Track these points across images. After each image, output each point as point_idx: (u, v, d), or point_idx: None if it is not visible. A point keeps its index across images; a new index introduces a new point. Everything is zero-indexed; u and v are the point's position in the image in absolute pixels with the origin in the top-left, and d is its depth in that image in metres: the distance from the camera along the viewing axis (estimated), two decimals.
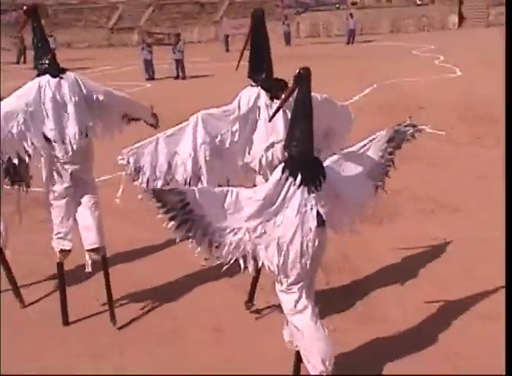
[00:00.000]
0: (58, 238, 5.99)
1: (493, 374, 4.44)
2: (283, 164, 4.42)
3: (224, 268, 4.37)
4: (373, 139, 5.01)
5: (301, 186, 4.33)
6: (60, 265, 6.14)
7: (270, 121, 5.14)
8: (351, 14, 38.31)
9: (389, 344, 5.50)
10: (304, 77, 4.40)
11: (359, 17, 39.93)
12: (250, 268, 4.42)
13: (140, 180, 5.20)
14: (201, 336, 5.84)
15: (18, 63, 33.23)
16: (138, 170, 5.17)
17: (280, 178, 4.35)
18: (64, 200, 5.85)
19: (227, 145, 5.38)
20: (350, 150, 4.93)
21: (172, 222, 4.18)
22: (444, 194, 9.39)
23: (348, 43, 36.81)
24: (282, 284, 4.45)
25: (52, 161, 5.73)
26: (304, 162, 4.37)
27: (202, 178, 5.29)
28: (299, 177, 4.33)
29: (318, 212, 4.35)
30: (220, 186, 5.08)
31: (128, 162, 5.16)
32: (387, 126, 5.09)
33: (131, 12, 45.18)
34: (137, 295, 6.66)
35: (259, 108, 5.46)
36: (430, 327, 5.73)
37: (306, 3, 43.92)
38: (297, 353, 4.65)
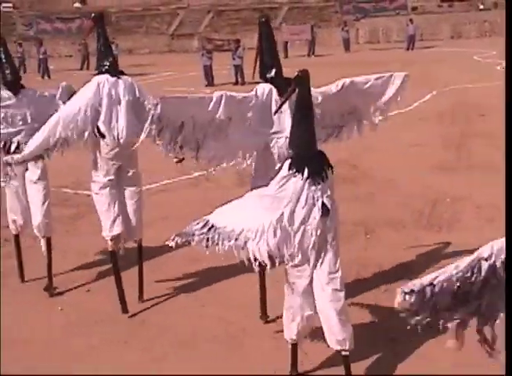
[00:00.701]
0: (106, 227, 6.33)
1: (493, 374, 4.42)
2: (289, 161, 4.72)
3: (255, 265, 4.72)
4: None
5: (308, 180, 4.64)
6: (113, 253, 6.45)
7: (274, 114, 5.58)
8: (410, 19, 37.96)
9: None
10: (303, 79, 4.75)
11: (419, 23, 39.55)
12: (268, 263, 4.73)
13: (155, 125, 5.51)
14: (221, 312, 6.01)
15: (82, 69, 33.87)
16: (159, 118, 5.48)
17: (287, 175, 4.67)
18: (107, 190, 6.26)
19: (244, 125, 5.73)
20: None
21: (205, 243, 4.69)
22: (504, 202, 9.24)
23: (408, 49, 36.46)
24: (292, 269, 4.83)
25: (99, 153, 6.18)
26: (308, 157, 4.70)
27: (201, 145, 5.69)
28: (305, 172, 4.64)
29: (323, 203, 4.67)
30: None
31: (155, 108, 5.46)
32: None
33: (192, 18, 45.69)
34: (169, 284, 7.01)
35: (271, 102, 5.77)
36: None
37: (365, 9, 43.70)
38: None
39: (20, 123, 6.68)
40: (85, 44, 34.80)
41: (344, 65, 28.50)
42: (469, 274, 3.58)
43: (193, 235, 4.71)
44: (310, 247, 4.74)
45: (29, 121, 6.66)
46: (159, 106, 5.45)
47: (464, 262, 3.63)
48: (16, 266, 7.32)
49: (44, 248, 6.96)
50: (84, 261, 7.61)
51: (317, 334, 5.19)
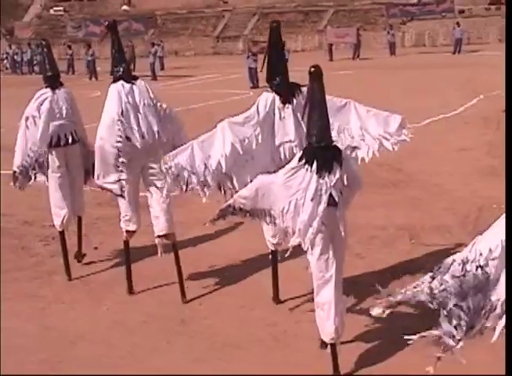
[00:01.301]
0: (125, 220, 6.79)
1: (493, 374, 4.36)
2: (301, 152, 4.98)
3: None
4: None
5: (317, 172, 4.84)
6: (126, 243, 6.96)
7: (302, 118, 5.48)
8: (457, 23, 37.56)
9: None
10: (316, 74, 4.98)
11: (466, 26, 39.13)
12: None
13: (180, 185, 5.75)
14: (263, 313, 6.06)
15: None
16: (181, 172, 5.68)
17: (297, 165, 4.90)
18: (128, 187, 6.59)
19: (254, 146, 5.85)
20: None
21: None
22: None
23: (455, 52, 36.08)
24: (311, 254, 5.04)
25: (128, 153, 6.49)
26: (321, 150, 4.88)
27: (234, 177, 5.84)
28: (315, 164, 4.84)
29: (331, 194, 4.87)
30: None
31: (171, 167, 5.67)
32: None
33: (237, 21, 45.88)
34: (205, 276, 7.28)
35: (274, 111, 5.91)
36: None
37: (411, 12, 43.34)
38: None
39: (57, 116, 7.16)
40: (132, 46, 35.20)
41: (389, 68, 28.36)
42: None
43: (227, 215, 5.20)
44: (319, 236, 4.94)
45: (64, 115, 7.16)
46: (173, 165, 5.67)
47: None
48: (63, 264, 7.49)
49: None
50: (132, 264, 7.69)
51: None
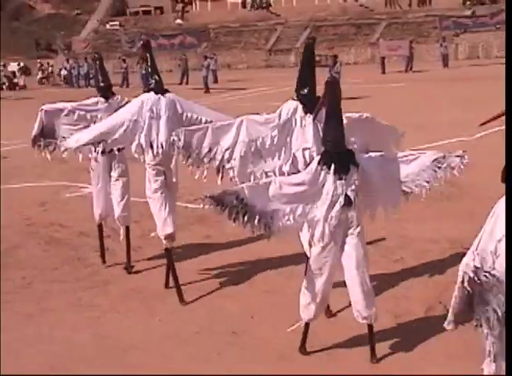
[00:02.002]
0: (159, 227, 7.12)
1: (493, 374, 4.31)
2: (319, 156, 5.40)
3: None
4: (423, 153, 5.73)
5: (334, 174, 5.27)
6: (168, 250, 7.24)
7: (314, 119, 6.10)
8: None
9: None
10: (333, 85, 5.53)
11: None
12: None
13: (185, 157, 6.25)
14: (314, 326, 5.98)
15: (181, 83, 34.61)
16: (186, 147, 6.20)
17: (316, 168, 5.32)
18: (159, 193, 7.07)
19: (266, 146, 6.25)
20: (400, 153, 5.81)
21: (233, 216, 5.18)
22: None
23: None
24: (315, 248, 5.48)
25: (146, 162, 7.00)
26: (336, 154, 5.33)
27: (235, 168, 6.26)
28: (332, 167, 5.28)
29: (346, 195, 5.29)
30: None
31: (179, 139, 6.19)
32: None
33: (289, 34, 46.05)
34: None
35: (295, 119, 6.26)
36: None
37: (465, 24, 42.89)
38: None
39: None
40: (185, 59, 35.63)
41: (442, 81, 28.10)
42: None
43: (224, 205, 5.17)
44: (334, 233, 5.37)
45: None
46: (182, 137, 6.17)
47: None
48: (117, 274, 7.66)
49: (122, 236, 8.03)
50: (180, 274, 7.79)
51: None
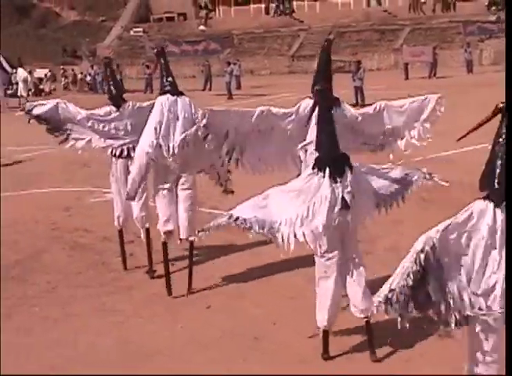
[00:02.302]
0: (163, 221, 7.40)
1: (493, 374, 4.31)
2: (313, 162, 5.56)
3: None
4: (393, 168, 5.98)
5: (330, 178, 5.38)
6: (164, 244, 7.54)
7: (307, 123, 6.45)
8: None
9: None
10: (323, 93, 5.86)
11: None
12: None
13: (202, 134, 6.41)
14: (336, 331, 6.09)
15: (204, 89, 34.71)
16: (206, 126, 6.34)
17: (312, 173, 5.46)
18: (166, 192, 7.32)
19: (282, 138, 6.55)
20: (373, 166, 5.97)
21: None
22: None
23: None
24: (318, 252, 5.67)
25: (160, 160, 7.18)
26: (331, 158, 5.46)
27: (245, 151, 6.52)
28: (327, 171, 5.39)
29: (343, 197, 5.40)
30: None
31: (203, 118, 6.34)
32: None
33: (312, 40, 46.00)
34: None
35: (311, 117, 6.48)
36: None
37: (490, 30, 42.58)
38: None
39: (122, 133, 7.96)
40: (208, 65, 35.72)
41: (466, 87, 27.94)
42: (414, 268, 4.06)
43: (219, 226, 5.34)
44: (333, 236, 5.54)
45: (129, 130, 7.88)
46: (206, 116, 6.30)
47: (406, 259, 4.12)
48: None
49: (143, 238, 8.26)
50: (207, 280, 7.85)
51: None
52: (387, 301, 4.08)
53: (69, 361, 6.04)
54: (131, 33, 50.69)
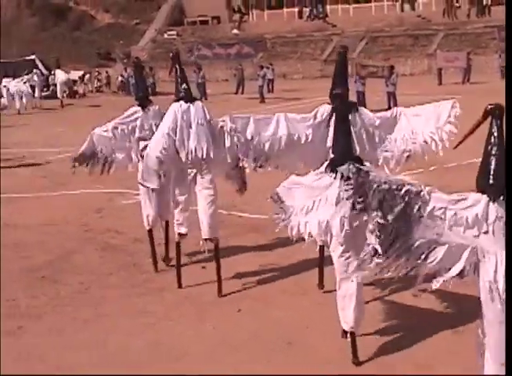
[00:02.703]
0: (177, 224, 7.65)
1: (493, 374, 4.25)
2: (327, 162, 5.83)
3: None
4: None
5: (339, 180, 5.55)
6: (178, 244, 7.79)
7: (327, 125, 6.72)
8: None
9: None
10: (340, 98, 6.18)
11: None
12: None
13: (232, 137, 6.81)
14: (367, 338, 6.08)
15: (236, 93, 34.81)
16: (233, 130, 6.77)
17: (323, 172, 5.76)
18: (184, 197, 7.53)
19: (302, 142, 6.79)
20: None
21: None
22: None
23: None
24: (337, 252, 5.75)
25: (177, 165, 7.45)
26: (343, 161, 5.60)
27: (271, 158, 6.89)
28: (339, 174, 5.58)
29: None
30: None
31: (227, 123, 6.79)
32: None
33: (345, 44, 45.93)
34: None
35: (329, 121, 6.67)
36: None
37: None
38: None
39: (147, 132, 8.21)
40: (241, 69, 35.80)
41: (500, 93, 27.64)
42: (394, 191, 4.42)
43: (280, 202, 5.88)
44: (350, 235, 5.60)
45: (154, 130, 8.00)
46: (229, 122, 6.76)
47: (396, 181, 4.49)
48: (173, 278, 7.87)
49: (162, 230, 8.62)
50: (237, 282, 7.88)
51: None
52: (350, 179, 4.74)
53: (99, 361, 6.09)
54: (165, 36, 51.03)
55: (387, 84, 25.20)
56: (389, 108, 24.57)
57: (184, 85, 7.53)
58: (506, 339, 4.08)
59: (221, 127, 7.11)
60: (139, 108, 8.38)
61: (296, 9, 50.73)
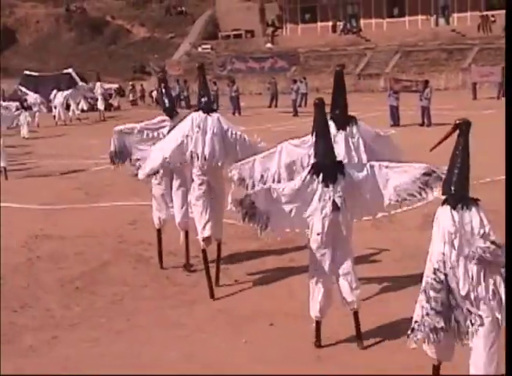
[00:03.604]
0: (200, 229, 7.93)
1: (493, 374, 4.18)
2: (310, 166, 6.29)
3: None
4: (413, 165, 6.39)
5: (322, 182, 6.09)
6: (204, 251, 8.02)
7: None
8: None
9: None
10: (320, 107, 6.34)
11: None
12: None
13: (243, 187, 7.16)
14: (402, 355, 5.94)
15: (270, 106, 34.86)
16: (240, 180, 7.24)
17: (307, 176, 6.15)
18: (201, 201, 7.92)
19: (305, 165, 6.99)
20: (392, 164, 6.44)
21: (246, 217, 6.10)
22: None
23: None
24: (312, 248, 6.30)
25: (193, 172, 7.96)
26: (324, 165, 6.14)
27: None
28: (321, 176, 6.10)
29: (334, 200, 6.09)
30: None
31: (234, 174, 7.25)
32: None
33: (379, 58, 45.85)
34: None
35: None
36: None
37: None
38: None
39: None
40: (275, 82, 35.87)
41: None
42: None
43: (243, 207, 6.13)
44: (324, 233, 6.15)
45: None
46: (237, 174, 7.23)
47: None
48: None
49: (182, 240, 8.93)
50: (267, 298, 7.87)
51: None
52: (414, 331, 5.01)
53: (133, 372, 6.14)
54: (199, 49, 51.40)
55: (421, 99, 25.07)
56: (423, 123, 24.63)
57: (205, 98, 7.96)
58: (506, 339, 4.08)
59: (235, 139, 7.86)
60: (168, 117, 8.83)
61: (330, 23, 50.77)
